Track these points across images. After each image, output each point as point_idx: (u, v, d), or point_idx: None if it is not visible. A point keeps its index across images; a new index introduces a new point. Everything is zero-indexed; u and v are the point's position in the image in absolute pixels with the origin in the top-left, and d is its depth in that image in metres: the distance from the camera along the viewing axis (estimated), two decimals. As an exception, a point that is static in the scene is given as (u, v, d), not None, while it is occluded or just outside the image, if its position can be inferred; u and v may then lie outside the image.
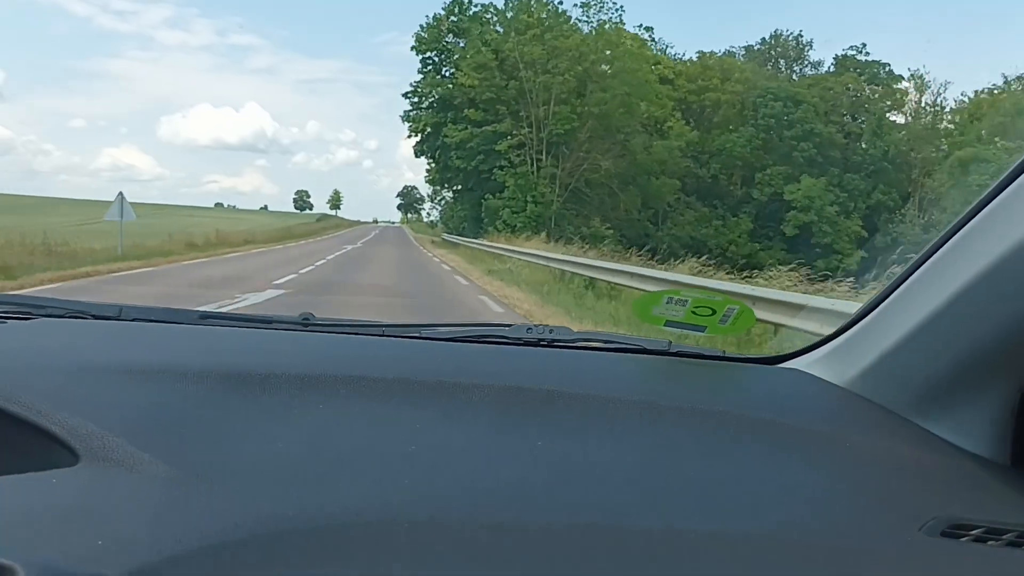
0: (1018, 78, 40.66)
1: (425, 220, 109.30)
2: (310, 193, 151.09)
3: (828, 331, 1.07)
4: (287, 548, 0.60)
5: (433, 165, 43.18)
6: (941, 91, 50.44)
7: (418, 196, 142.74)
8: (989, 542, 0.66)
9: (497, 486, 0.72)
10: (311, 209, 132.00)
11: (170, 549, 0.58)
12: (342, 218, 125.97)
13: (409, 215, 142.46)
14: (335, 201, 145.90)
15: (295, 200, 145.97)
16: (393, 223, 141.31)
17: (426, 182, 52.14)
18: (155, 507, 0.65)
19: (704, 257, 15.32)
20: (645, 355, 1.12)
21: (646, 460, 0.80)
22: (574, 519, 0.67)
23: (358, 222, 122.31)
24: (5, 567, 0.52)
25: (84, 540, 0.58)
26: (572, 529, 0.66)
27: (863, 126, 44.85)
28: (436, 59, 41.19)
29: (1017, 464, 0.82)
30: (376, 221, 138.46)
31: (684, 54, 55.32)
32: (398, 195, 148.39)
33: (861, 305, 0.99)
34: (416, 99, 41.52)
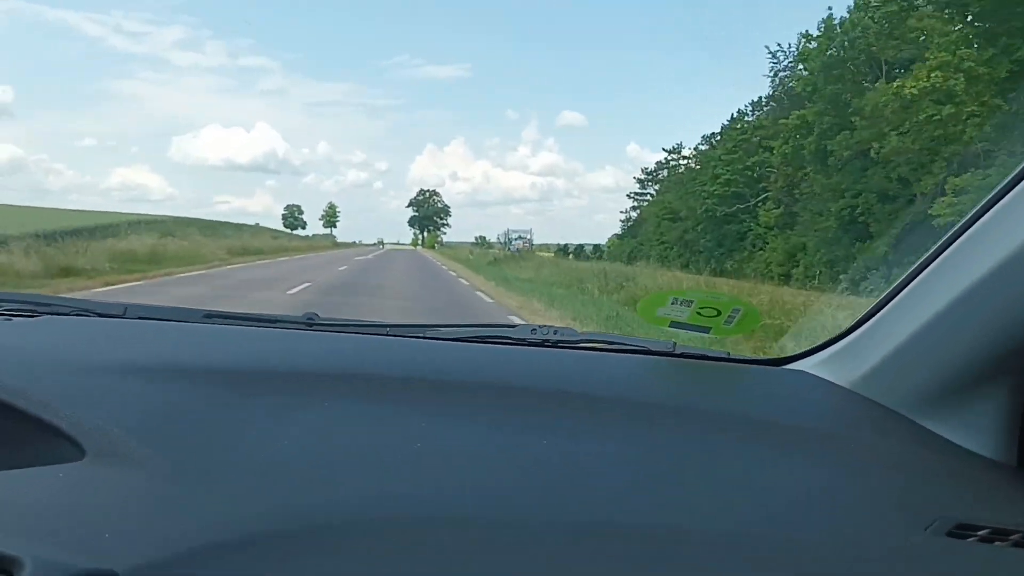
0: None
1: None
2: (303, 208, 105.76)
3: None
4: (289, 545, 0.60)
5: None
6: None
7: (440, 205, 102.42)
8: (995, 543, 0.66)
9: (500, 485, 0.72)
10: (304, 227, 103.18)
11: (174, 545, 0.58)
12: (293, 234, 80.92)
13: (427, 232, 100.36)
14: (330, 217, 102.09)
15: (284, 217, 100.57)
16: (402, 245, 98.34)
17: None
18: (159, 503, 0.65)
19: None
20: (650, 356, 1.11)
21: (651, 460, 0.80)
22: (577, 518, 0.67)
23: (355, 243, 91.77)
24: (12, 559, 0.53)
25: (89, 534, 0.59)
26: (575, 528, 0.66)
27: None
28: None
29: (1023, 465, 0.81)
30: (382, 243, 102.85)
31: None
32: (409, 204, 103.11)
33: (869, 307, 0.99)
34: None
